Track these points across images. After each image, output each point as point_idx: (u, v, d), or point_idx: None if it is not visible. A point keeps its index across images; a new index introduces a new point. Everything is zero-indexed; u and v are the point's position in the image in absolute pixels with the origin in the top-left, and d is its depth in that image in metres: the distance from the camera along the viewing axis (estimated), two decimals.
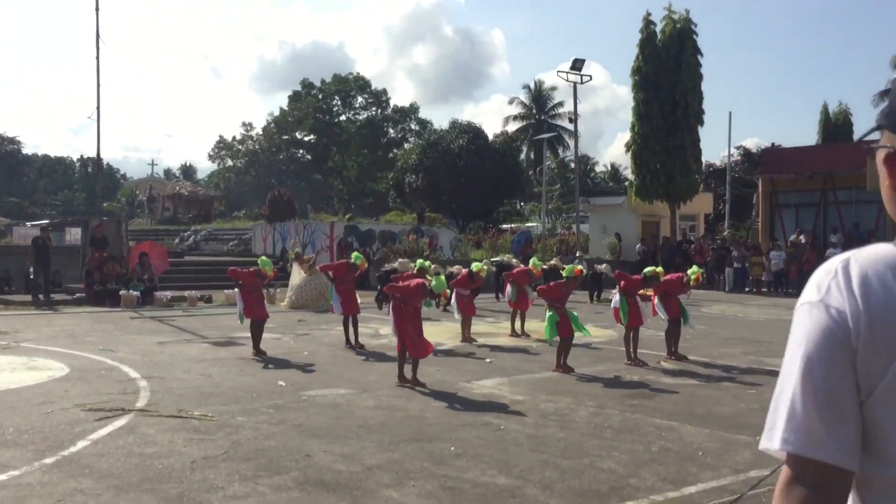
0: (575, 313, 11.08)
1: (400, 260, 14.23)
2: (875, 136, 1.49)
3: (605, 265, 14.27)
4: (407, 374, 9.60)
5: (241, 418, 7.70)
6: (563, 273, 11.37)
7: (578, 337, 12.29)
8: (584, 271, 11.53)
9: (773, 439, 1.38)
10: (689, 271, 12.11)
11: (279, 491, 5.51)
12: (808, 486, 1.34)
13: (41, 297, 20.56)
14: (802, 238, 27.50)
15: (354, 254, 13.34)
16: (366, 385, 9.61)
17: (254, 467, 6.06)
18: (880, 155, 1.44)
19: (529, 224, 46.54)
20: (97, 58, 24.78)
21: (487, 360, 11.83)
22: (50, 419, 7.58)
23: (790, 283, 26.86)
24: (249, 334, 12.02)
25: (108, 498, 5.33)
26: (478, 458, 6.38)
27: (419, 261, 13.76)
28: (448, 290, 11.61)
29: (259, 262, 12.42)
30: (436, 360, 11.36)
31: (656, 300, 11.94)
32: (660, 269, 12.30)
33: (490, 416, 7.90)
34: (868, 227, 27.38)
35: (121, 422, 7.49)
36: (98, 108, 24.55)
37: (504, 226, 44.31)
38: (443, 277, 10.26)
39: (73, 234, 25.92)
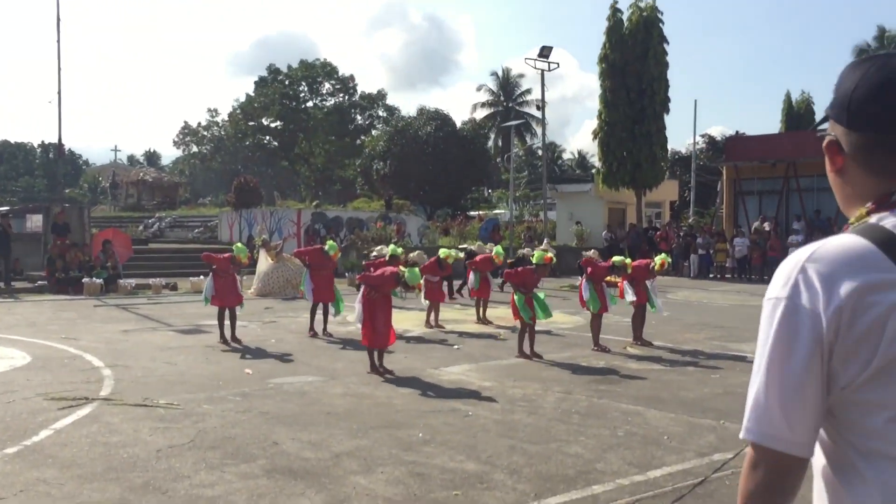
0: (542, 296, 11.13)
1: (418, 251, 14.16)
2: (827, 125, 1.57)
3: (593, 251, 14.27)
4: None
5: (208, 406, 7.64)
6: (533, 260, 11.42)
7: (544, 324, 12.37)
8: (554, 259, 11.54)
9: (742, 427, 1.45)
10: (655, 258, 12.24)
11: (246, 479, 5.48)
12: (766, 471, 1.42)
13: (1, 284, 20.21)
14: (766, 225, 27.87)
15: (329, 243, 13.21)
16: (333, 372, 9.58)
17: (220, 455, 6.02)
18: (824, 143, 1.50)
19: (497, 211, 46.62)
20: (58, 41, 24.37)
21: (455, 346, 11.86)
22: (11, 408, 7.46)
23: (753, 269, 27.25)
24: (216, 322, 11.91)
25: (72, 488, 5.27)
26: (446, 445, 6.40)
27: (391, 247, 13.70)
28: (422, 282, 11.58)
29: (234, 248, 12.28)
30: (403, 347, 11.37)
31: (624, 284, 12.08)
32: (628, 259, 12.39)
33: (458, 403, 7.93)
34: (829, 214, 27.83)
35: (84, 411, 7.40)
36: (59, 92, 24.15)
37: (472, 213, 44.35)
38: (417, 270, 10.21)
39: (35, 221, 25.42)
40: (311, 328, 12.77)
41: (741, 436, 1.44)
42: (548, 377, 9.44)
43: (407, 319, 14.32)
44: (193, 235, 37.14)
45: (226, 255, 12.20)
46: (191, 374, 9.42)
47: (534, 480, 5.52)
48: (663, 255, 12.56)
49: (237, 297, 12.02)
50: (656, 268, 12.01)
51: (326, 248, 12.88)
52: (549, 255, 11.49)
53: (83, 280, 20.05)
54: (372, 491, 5.26)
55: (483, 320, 14.62)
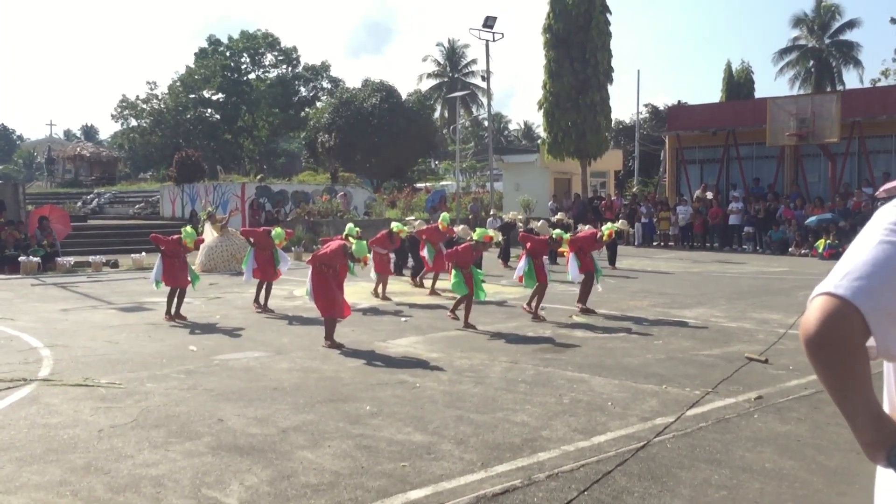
0: (480, 275, 11.24)
1: (463, 226, 14.04)
2: None
3: (621, 221, 14.34)
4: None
5: (151, 385, 7.53)
6: (474, 237, 11.44)
7: (491, 294, 12.46)
8: (496, 238, 11.60)
9: (827, 287, 1.53)
10: (603, 227, 12.35)
11: (191, 457, 5.42)
12: (840, 330, 1.50)
13: None
14: (709, 194, 28.36)
15: (276, 230, 12.97)
16: (280, 347, 9.51)
17: (164, 434, 5.95)
18: None
19: (444, 182, 46.61)
20: None
21: (403, 319, 11.86)
22: None
23: (695, 237, 27.75)
24: (166, 299, 11.71)
25: (11, 471, 5.15)
26: (393, 417, 6.42)
27: (349, 225, 13.70)
28: (369, 256, 11.52)
29: (182, 232, 12.01)
30: (351, 321, 11.32)
31: (571, 257, 12.17)
32: (566, 234, 12.48)
33: (405, 375, 7.95)
34: (768, 181, 28.45)
35: (23, 392, 7.23)
36: None
37: (418, 185, 44.23)
38: (364, 242, 10.19)
39: None
40: (256, 300, 12.62)
41: (828, 290, 1.49)
42: (494, 347, 9.52)
43: (354, 293, 14.26)
44: (134, 211, 36.35)
45: (174, 236, 11.97)
46: (133, 352, 9.26)
47: (481, 450, 5.57)
48: (611, 224, 12.67)
49: (185, 279, 11.88)
50: (604, 238, 12.13)
51: (273, 234, 12.67)
52: (490, 234, 11.56)
53: (19, 259, 19.49)
54: (319, 465, 5.25)
55: (433, 292, 14.66)
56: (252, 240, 12.90)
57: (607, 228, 12.27)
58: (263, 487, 4.85)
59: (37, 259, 19.61)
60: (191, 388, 7.39)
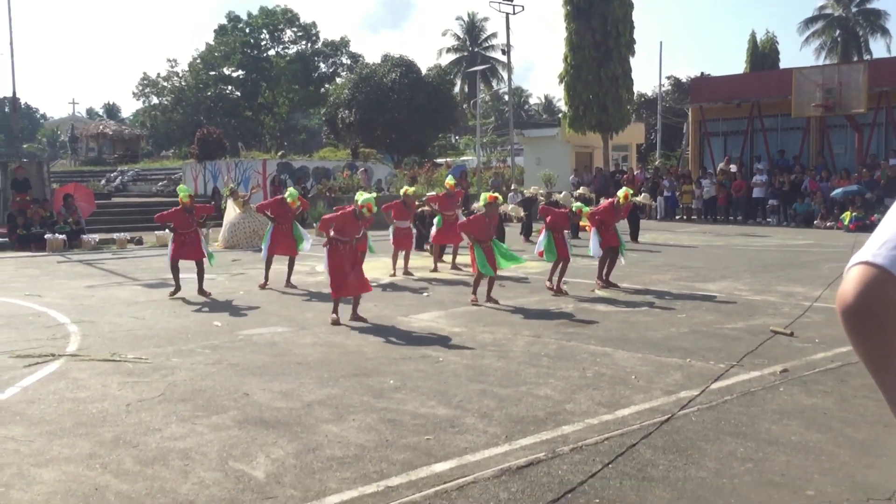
0: (504, 246, 11.18)
1: (513, 206, 13.80)
2: None
3: (644, 194, 14.00)
4: (346, 313, 9.58)
5: (177, 360, 7.60)
6: (480, 204, 11.36)
7: (513, 269, 12.42)
8: (500, 198, 11.33)
9: (865, 256, 1.46)
10: (618, 193, 12.17)
11: (218, 430, 5.48)
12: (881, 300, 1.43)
13: None
14: (732, 166, 28.07)
15: (290, 190, 12.96)
16: (303, 322, 9.57)
17: (191, 408, 6.01)
18: None
19: (464, 158, 46.45)
20: None
21: (425, 293, 11.88)
22: None
23: (719, 210, 27.52)
24: (196, 275, 11.79)
25: (42, 444, 5.23)
26: (417, 391, 6.44)
27: (360, 192, 13.52)
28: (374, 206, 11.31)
29: (178, 191, 11.98)
30: (373, 296, 11.35)
31: (592, 232, 12.02)
32: (585, 207, 12.37)
33: (428, 349, 7.97)
34: (793, 153, 28.10)
35: (51, 367, 7.33)
36: (11, 43, 23.44)
37: (439, 160, 44.11)
38: (372, 196, 9.87)
39: None
40: (266, 279, 12.51)
41: (866, 259, 1.43)
42: (517, 322, 9.51)
43: (375, 268, 14.29)
44: (157, 189, 36.56)
45: (175, 208, 11.88)
46: (159, 327, 9.35)
47: (504, 423, 5.58)
48: (624, 188, 12.49)
49: (199, 251, 11.74)
50: (621, 203, 11.94)
51: (286, 195, 12.62)
52: (491, 193, 11.32)
53: (45, 236, 19.71)
54: (344, 438, 5.29)
55: (454, 266, 14.61)
56: (270, 214, 12.82)
57: (622, 192, 12.04)
58: (289, 460, 4.89)
59: (62, 236, 19.83)
60: (216, 363, 7.45)
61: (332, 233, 9.52)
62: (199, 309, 10.74)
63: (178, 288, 11.58)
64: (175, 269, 11.58)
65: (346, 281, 9.44)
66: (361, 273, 9.70)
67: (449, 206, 14.60)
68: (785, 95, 26.48)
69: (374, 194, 11.41)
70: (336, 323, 9.33)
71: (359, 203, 9.54)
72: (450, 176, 15.62)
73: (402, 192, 14.06)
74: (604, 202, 12.65)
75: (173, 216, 11.77)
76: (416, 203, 14.52)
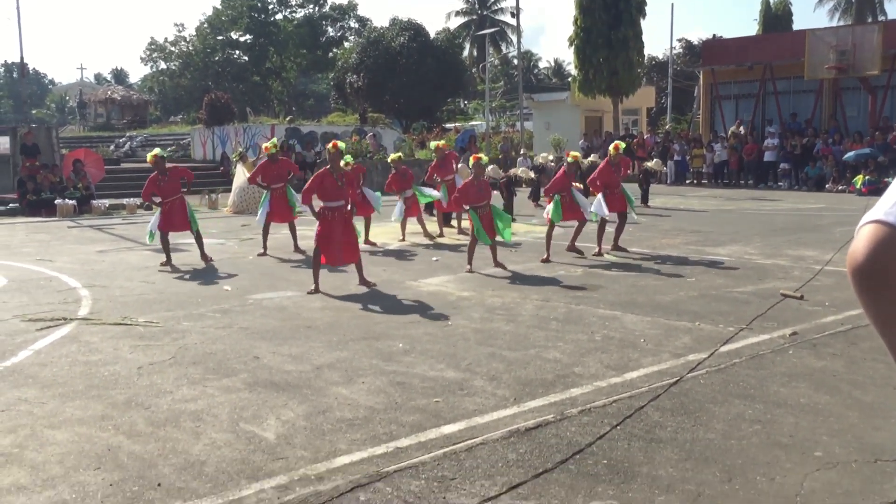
0: (507, 215, 11.15)
1: (493, 166, 13.51)
2: None
3: (655, 160, 13.87)
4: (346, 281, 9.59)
5: (187, 324, 7.65)
6: (469, 167, 11.37)
7: (521, 233, 12.41)
8: (485, 159, 11.22)
9: (876, 214, 1.40)
10: (609, 147, 12.10)
11: (228, 392, 5.52)
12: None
13: None
14: (742, 129, 27.82)
15: (272, 141, 12.81)
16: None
17: (202, 371, 6.06)
18: None
19: (473, 122, 46.14)
20: None
21: (433, 258, 11.88)
22: None
23: (730, 174, 27.34)
24: (194, 242, 11.78)
25: (54, 406, 5.29)
26: (426, 354, 6.47)
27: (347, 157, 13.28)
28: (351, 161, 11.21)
29: (149, 156, 11.73)
30: (382, 261, 11.40)
31: (599, 197, 11.92)
32: (577, 153, 12.33)
33: (437, 313, 7.98)
34: (805, 116, 27.81)
35: (63, 331, 7.39)
36: (17, 8, 23.32)
37: (448, 125, 43.85)
38: (349, 157, 9.85)
39: (2, 144, 24.88)
40: (265, 248, 12.39)
41: (878, 218, 1.37)
42: (526, 286, 9.51)
43: (384, 233, 14.29)
44: (166, 154, 36.52)
45: (151, 176, 11.51)
46: (169, 292, 9.40)
47: (513, 385, 5.61)
48: (617, 141, 12.43)
49: (185, 222, 11.54)
50: (612, 155, 11.81)
51: (268, 144, 12.46)
52: (477, 154, 11.22)
53: (56, 201, 19.78)
54: (354, 401, 5.32)
55: (460, 231, 14.61)
56: (262, 181, 12.58)
57: (612, 145, 12.01)
58: (300, 422, 4.93)
59: (72, 202, 19.90)
60: (226, 327, 7.49)
61: (314, 202, 9.40)
62: (208, 274, 10.78)
63: (168, 259, 11.39)
64: (165, 241, 11.48)
65: (331, 249, 9.31)
66: (350, 244, 9.44)
67: (446, 170, 14.45)
68: (798, 58, 26.15)
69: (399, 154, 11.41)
70: (313, 292, 9.08)
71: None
72: (432, 143, 15.52)
73: (390, 158, 13.95)
74: (598, 168, 12.50)
75: (153, 186, 11.44)
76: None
